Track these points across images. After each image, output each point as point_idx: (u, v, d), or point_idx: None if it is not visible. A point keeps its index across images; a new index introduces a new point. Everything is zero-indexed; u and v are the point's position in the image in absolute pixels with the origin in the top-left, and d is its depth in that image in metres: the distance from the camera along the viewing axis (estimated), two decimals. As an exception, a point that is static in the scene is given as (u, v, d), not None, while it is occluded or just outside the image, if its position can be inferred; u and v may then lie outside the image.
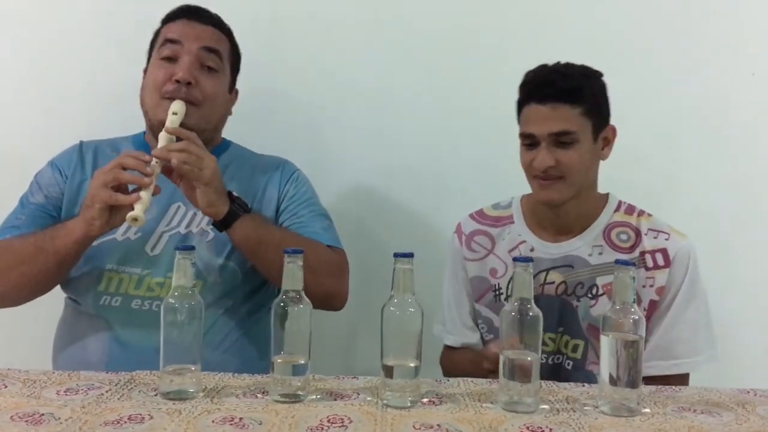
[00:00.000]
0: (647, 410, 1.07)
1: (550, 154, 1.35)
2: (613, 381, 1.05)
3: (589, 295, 1.41)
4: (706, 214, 1.86)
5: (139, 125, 1.56)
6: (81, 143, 1.54)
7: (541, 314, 1.06)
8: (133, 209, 1.23)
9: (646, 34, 1.85)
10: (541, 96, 1.35)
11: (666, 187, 1.86)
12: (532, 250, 1.46)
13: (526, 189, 1.46)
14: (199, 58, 1.45)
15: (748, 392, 1.18)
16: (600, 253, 1.42)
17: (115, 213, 1.27)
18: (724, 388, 1.19)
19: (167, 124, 1.37)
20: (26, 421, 0.96)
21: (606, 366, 1.06)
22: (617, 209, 1.46)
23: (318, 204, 1.57)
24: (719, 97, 1.86)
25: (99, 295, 1.39)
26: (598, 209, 1.45)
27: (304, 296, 1.08)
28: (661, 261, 1.39)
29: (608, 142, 1.42)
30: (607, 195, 1.48)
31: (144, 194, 1.25)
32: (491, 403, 1.08)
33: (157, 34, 1.52)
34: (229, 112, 1.58)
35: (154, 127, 1.45)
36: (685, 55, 1.85)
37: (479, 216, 1.54)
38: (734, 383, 1.22)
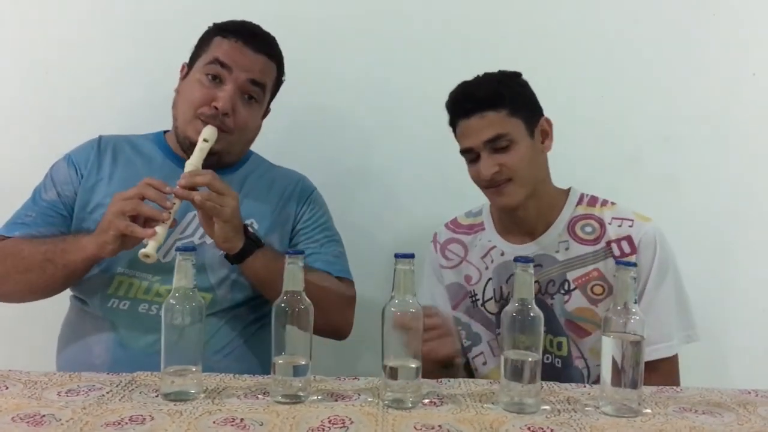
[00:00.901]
0: (648, 411, 1.07)
1: (491, 161, 1.37)
2: (615, 381, 1.05)
3: (562, 291, 1.41)
4: (706, 214, 1.86)
5: (148, 127, 1.57)
6: (100, 138, 1.52)
7: (542, 315, 1.06)
8: (146, 244, 1.24)
9: (647, 36, 1.85)
10: (464, 110, 1.38)
11: (666, 187, 1.86)
12: (502, 254, 1.47)
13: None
14: (242, 88, 1.44)
15: (750, 393, 1.18)
16: (567, 248, 1.42)
17: (128, 239, 1.27)
18: (725, 389, 1.19)
19: (196, 150, 1.36)
20: (27, 422, 0.96)
21: (607, 366, 1.06)
22: (579, 202, 1.46)
23: (332, 228, 1.58)
24: (720, 98, 1.86)
25: (107, 298, 1.39)
26: (560, 204, 1.46)
27: (305, 297, 1.08)
28: (627, 249, 1.39)
29: (547, 134, 1.43)
30: (568, 189, 1.48)
31: (160, 230, 1.26)
32: (492, 403, 1.08)
33: (207, 40, 1.48)
34: (256, 135, 1.57)
35: (178, 136, 1.46)
36: (686, 56, 1.86)
37: (453, 225, 1.57)
38: (736, 384, 1.22)
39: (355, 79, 1.87)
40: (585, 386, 1.19)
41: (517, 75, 1.42)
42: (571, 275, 1.41)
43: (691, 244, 1.74)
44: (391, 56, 1.87)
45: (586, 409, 1.07)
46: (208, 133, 1.38)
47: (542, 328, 1.07)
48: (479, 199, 1.59)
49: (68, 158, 1.48)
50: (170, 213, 1.27)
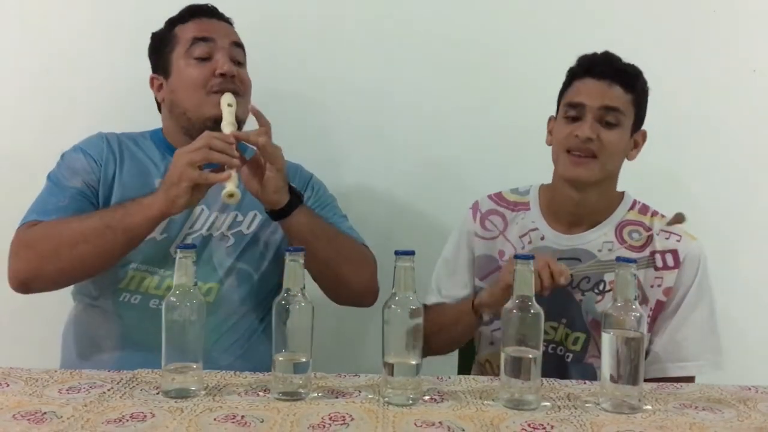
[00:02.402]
0: (649, 407, 1.07)
1: (594, 127, 1.37)
2: (615, 378, 1.05)
3: (596, 291, 1.41)
4: (707, 213, 1.85)
5: (143, 125, 1.56)
6: (103, 134, 1.51)
7: (542, 312, 1.06)
8: (225, 187, 1.25)
9: (646, 33, 1.85)
10: (599, 72, 1.38)
11: (666, 186, 1.86)
12: (542, 238, 1.46)
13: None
14: (231, 54, 1.47)
15: (750, 389, 1.18)
16: (610, 250, 1.42)
17: (196, 192, 1.27)
18: (725, 385, 1.19)
19: (226, 115, 1.36)
20: (28, 419, 0.97)
21: (607, 363, 1.06)
22: (632, 208, 1.46)
23: (338, 207, 1.59)
24: (719, 95, 1.86)
25: (119, 293, 1.39)
26: (614, 205, 1.46)
27: (306, 294, 1.08)
28: (671, 262, 1.40)
29: (637, 145, 1.44)
30: (623, 193, 1.48)
31: (232, 174, 1.26)
32: (492, 400, 1.08)
33: (168, 34, 1.49)
34: None
35: (195, 125, 1.43)
36: (686, 53, 1.85)
37: (497, 198, 1.55)
38: (736, 380, 1.22)
39: (357, 79, 1.87)
40: (585, 383, 1.20)
41: (640, 72, 1.43)
42: (608, 277, 1.40)
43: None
44: (394, 56, 1.87)
45: (587, 405, 1.07)
46: (229, 98, 1.39)
47: (542, 325, 1.07)
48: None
49: (82, 150, 1.45)
50: (239, 159, 1.28)
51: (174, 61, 1.47)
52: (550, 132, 1.48)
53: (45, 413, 0.99)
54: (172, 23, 1.50)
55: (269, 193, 1.32)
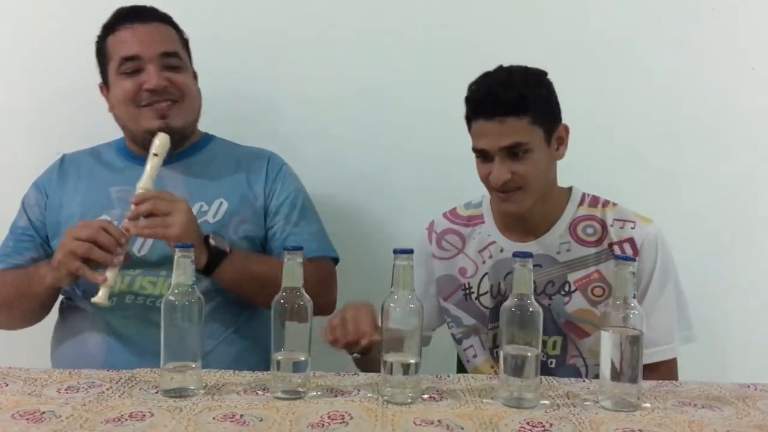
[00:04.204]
0: (648, 405, 1.07)
1: (505, 167, 1.32)
2: (614, 376, 1.05)
3: (562, 293, 1.40)
4: (706, 212, 1.86)
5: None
6: (63, 157, 1.56)
7: (540, 310, 1.07)
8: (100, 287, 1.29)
9: (645, 31, 1.85)
10: (486, 112, 1.31)
11: (665, 185, 1.86)
12: (501, 250, 1.45)
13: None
14: (162, 64, 1.46)
15: (749, 387, 1.18)
16: (568, 250, 1.41)
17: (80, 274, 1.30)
18: (724, 383, 1.19)
19: (147, 168, 1.37)
20: (27, 419, 0.97)
21: (606, 361, 1.06)
22: (581, 203, 1.44)
23: (306, 203, 1.57)
24: (718, 93, 1.85)
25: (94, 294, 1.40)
26: (562, 205, 1.43)
27: (305, 293, 1.08)
28: (629, 251, 1.38)
29: (562, 141, 1.39)
30: (569, 189, 1.46)
31: (110, 275, 1.29)
32: (491, 398, 1.08)
33: (102, 46, 1.50)
34: (201, 101, 1.57)
35: (137, 137, 1.48)
36: (684, 51, 1.85)
37: (452, 215, 1.54)
38: (734, 378, 1.22)
39: (356, 79, 1.86)
40: (584, 381, 1.20)
41: (543, 75, 1.37)
42: (572, 277, 1.40)
43: (690, 240, 1.74)
44: (393, 56, 1.86)
45: (585, 403, 1.07)
46: (158, 144, 1.39)
47: (541, 323, 1.07)
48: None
49: (35, 184, 1.54)
50: (120, 258, 1.29)
51: (110, 74, 1.49)
52: None
53: (44, 413, 0.99)
54: (105, 31, 1.50)
55: None
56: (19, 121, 1.83)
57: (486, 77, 1.35)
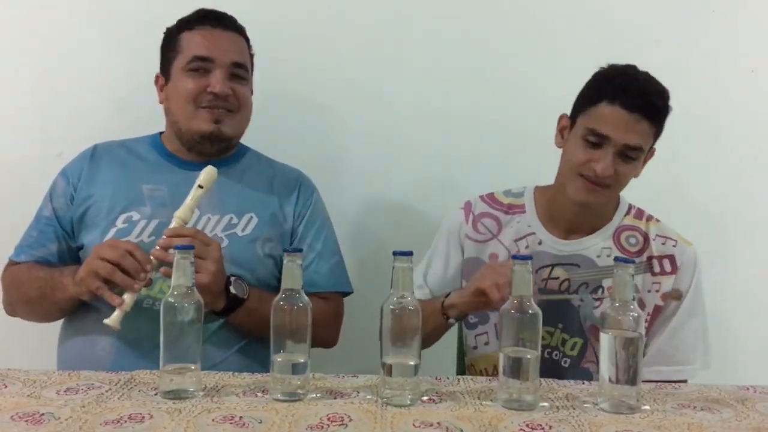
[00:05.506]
0: (647, 407, 1.07)
1: (613, 163, 1.32)
2: (613, 378, 1.05)
3: (594, 296, 1.41)
4: (706, 212, 1.86)
5: (147, 128, 1.57)
6: (95, 147, 1.54)
7: (540, 312, 1.06)
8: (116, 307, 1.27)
9: (646, 32, 1.85)
10: (630, 103, 1.30)
11: (665, 186, 1.85)
12: (540, 243, 1.45)
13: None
14: (230, 72, 1.47)
15: (748, 389, 1.18)
16: (608, 255, 1.41)
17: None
18: (723, 385, 1.19)
19: (188, 198, 1.34)
20: (26, 420, 0.97)
21: (606, 363, 1.06)
22: (628, 213, 1.46)
23: (330, 234, 1.57)
24: (718, 95, 1.85)
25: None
26: (611, 211, 1.46)
27: (304, 295, 1.08)
28: (668, 267, 1.40)
29: (646, 162, 1.41)
30: (619, 197, 1.48)
31: (128, 299, 1.28)
32: (491, 400, 1.08)
33: (175, 38, 1.49)
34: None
35: (184, 135, 1.47)
36: (685, 53, 1.85)
37: (490, 200, 1.52)
38: (734, 380, 1.22)
39: (358, 80, 1.86)
40: (584, 383, 1.20)
41: (668, 95, 1.36)
42: (606, 283, 1.40)
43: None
44: (395, 57, 1.86)
45: (585, 405, 1.07)
46: (204, 178, 1.36)
47: (540, 325, 1.07)
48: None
49: (63, 172, 1.51)
50: (141, 284, 1.28)
51: (174, 68, 1.48)
52: (560, 132, 1.44)
53: (43, 414, 0.98)
54: (181, 26, 1.50)
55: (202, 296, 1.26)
56: (19, 121, 1.83)
57: (634, 69, 1.35)
